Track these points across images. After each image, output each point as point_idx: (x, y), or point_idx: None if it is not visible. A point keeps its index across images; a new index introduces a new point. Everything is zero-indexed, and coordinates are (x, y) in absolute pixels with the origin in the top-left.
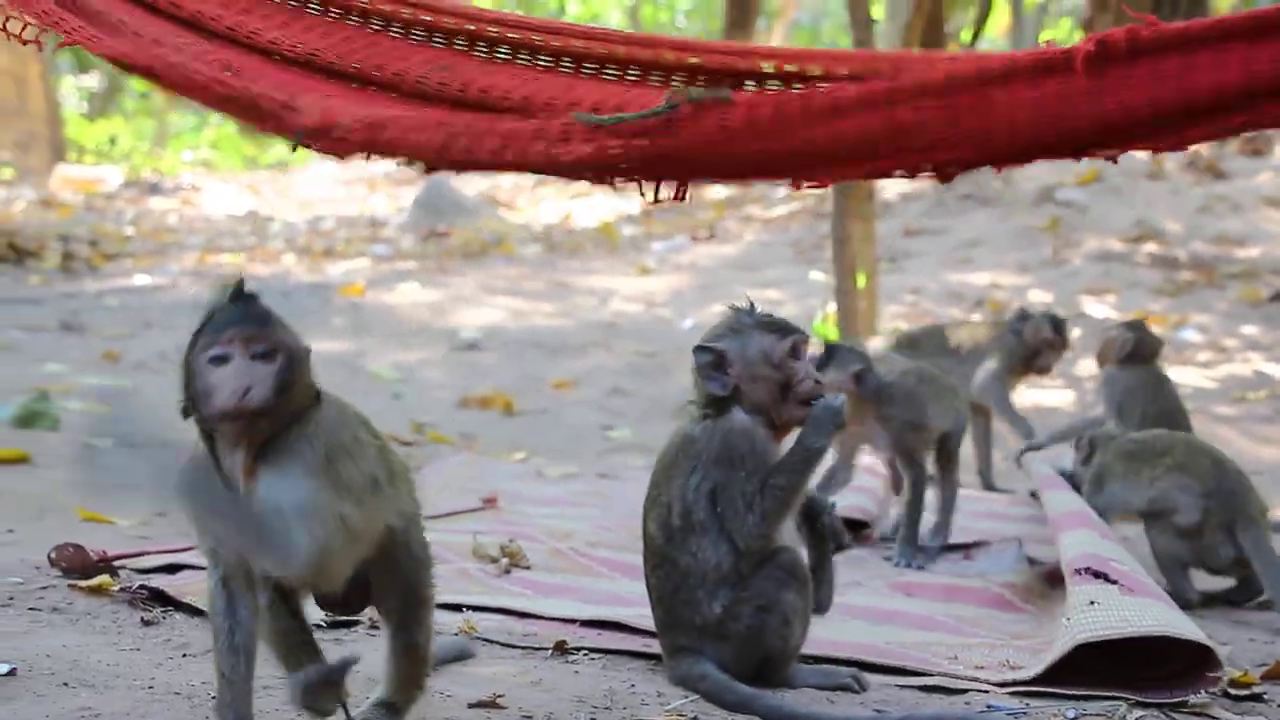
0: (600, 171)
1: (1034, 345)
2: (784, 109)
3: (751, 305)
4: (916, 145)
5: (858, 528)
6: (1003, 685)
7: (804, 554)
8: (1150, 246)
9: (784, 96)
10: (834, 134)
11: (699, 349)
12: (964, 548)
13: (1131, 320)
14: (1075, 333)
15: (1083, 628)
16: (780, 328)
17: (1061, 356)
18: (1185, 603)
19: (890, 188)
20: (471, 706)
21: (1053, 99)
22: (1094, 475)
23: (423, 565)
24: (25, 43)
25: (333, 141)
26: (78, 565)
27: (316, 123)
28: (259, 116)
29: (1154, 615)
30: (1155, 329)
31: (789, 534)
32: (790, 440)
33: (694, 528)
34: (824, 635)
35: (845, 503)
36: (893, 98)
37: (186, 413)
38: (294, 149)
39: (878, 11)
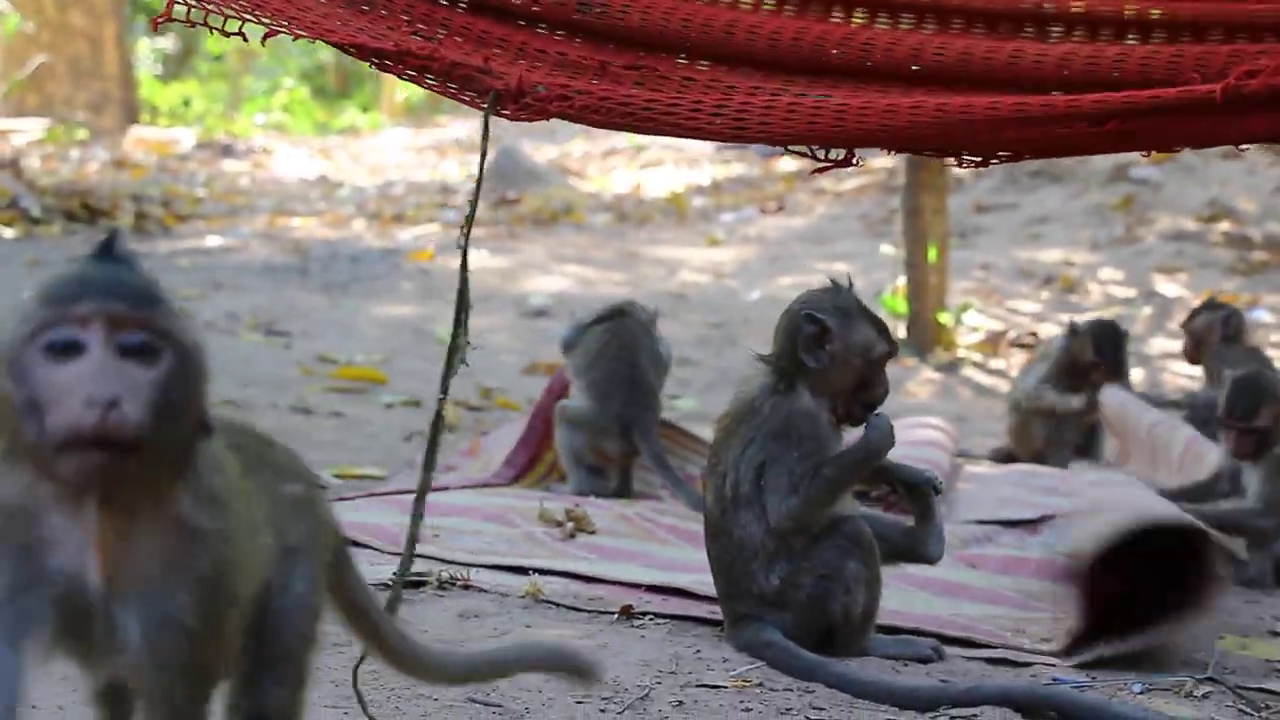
0: None
1: (1080, 363)
2: None
3: (850, 284)
4: None
5: None
6: (1069, 658)
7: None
8: (1224, 226)
9: None
10: None
11: (807, 318)
12: (1029, 523)
13: (1208, 301)
14: (1146, 311)
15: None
16: (882, 327)
17: (1116, 371)
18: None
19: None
20: None
21: None
22: None
23: (300, 613)
24: (228, 35)
25: (523, 108)
26: None
27: (512, 86)
28: (454, 81)
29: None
30: None
31: (849, 503)
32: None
33: (740, 501)
34: (889, 606)
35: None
36: None
37: None
38: (488, 114)
39: None
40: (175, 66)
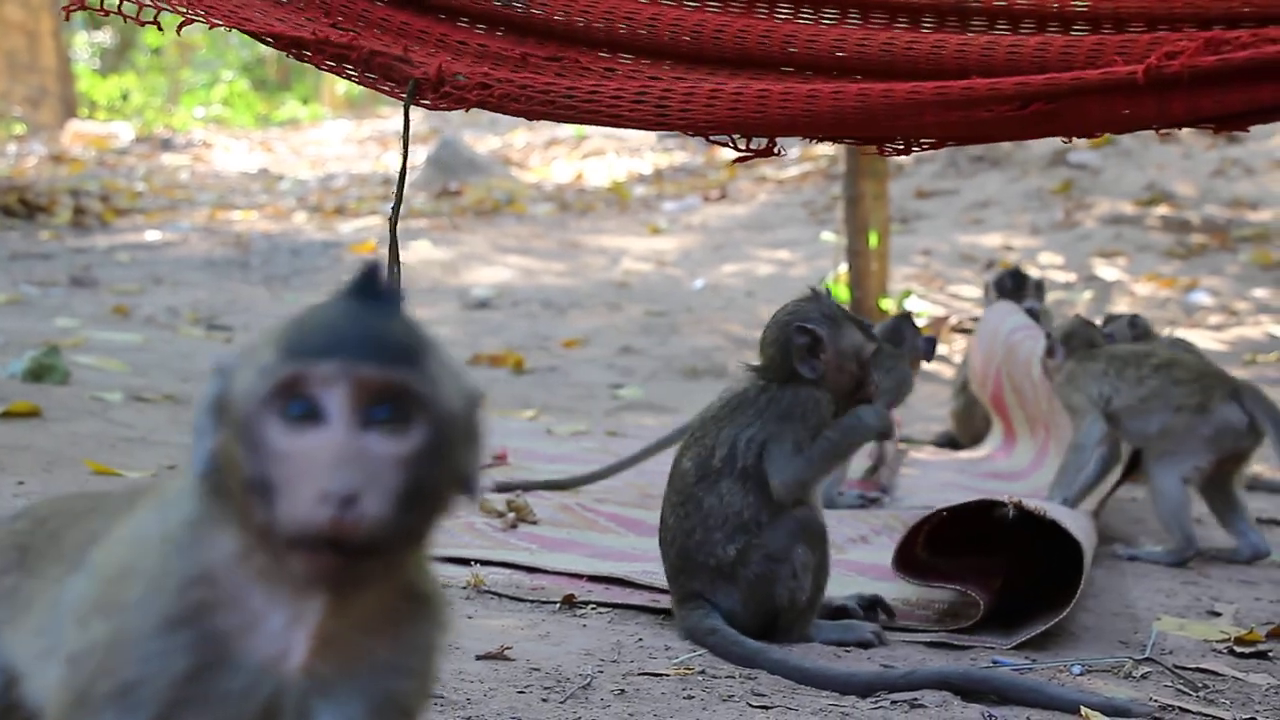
0: None
1: None
2: None
3: (829, 291)
4: None
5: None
6: (1008, 641)
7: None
8: (1162, 209)
9: None
10: None
11: (798, 329)
12: None
13: (1106, 317)
14: (1086, 295)
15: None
16: (868, 329)
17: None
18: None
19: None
20: (480, 658)
21: None
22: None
23: None
24: (143, 23)
25: (443, 96)
26: None
27: (431, 75)
28: (373, 70)
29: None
30: (1166, 292)
31: (816, 496)
32: None
33: (733, 473)
34: (829, 591)
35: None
36: None
37: (212, 481)
38: (408, 102)
39: None
40: (113, 60)
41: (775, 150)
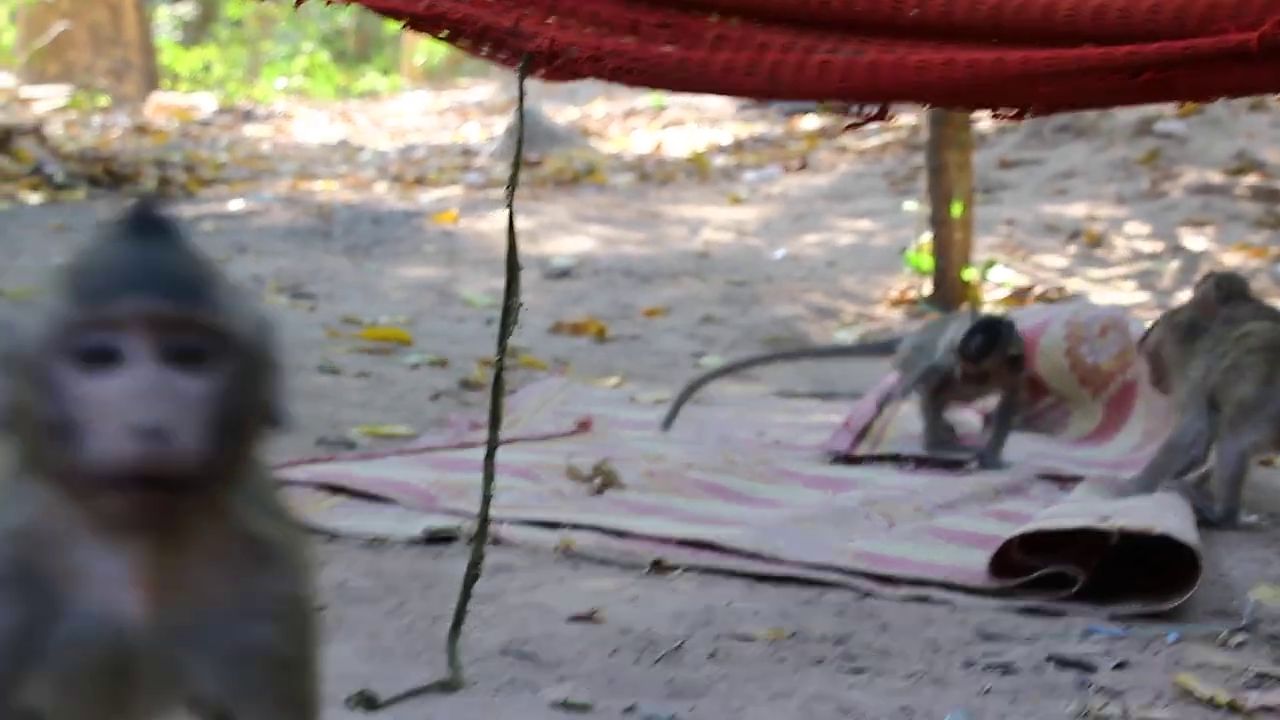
0: None
1: None
2: None
3: None
4: None
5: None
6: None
7: None
8: (1251, 178)
9: None
10: None
11: None
12: (1062, 479)
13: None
14: (1173, 265)
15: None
16: None
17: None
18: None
19: (985, 118)
20: (571, 620)
21: None
22: None
23: None
24: None
25: (556, 69)
26: None
27: (545, 48)
28: (486, 44)
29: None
30: (1255, 262)
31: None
32: None
33: None
34: (919, 557)
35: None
36: None
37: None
38: (522, 76)
39: None
40: (195, 32)
41: (889, 117)
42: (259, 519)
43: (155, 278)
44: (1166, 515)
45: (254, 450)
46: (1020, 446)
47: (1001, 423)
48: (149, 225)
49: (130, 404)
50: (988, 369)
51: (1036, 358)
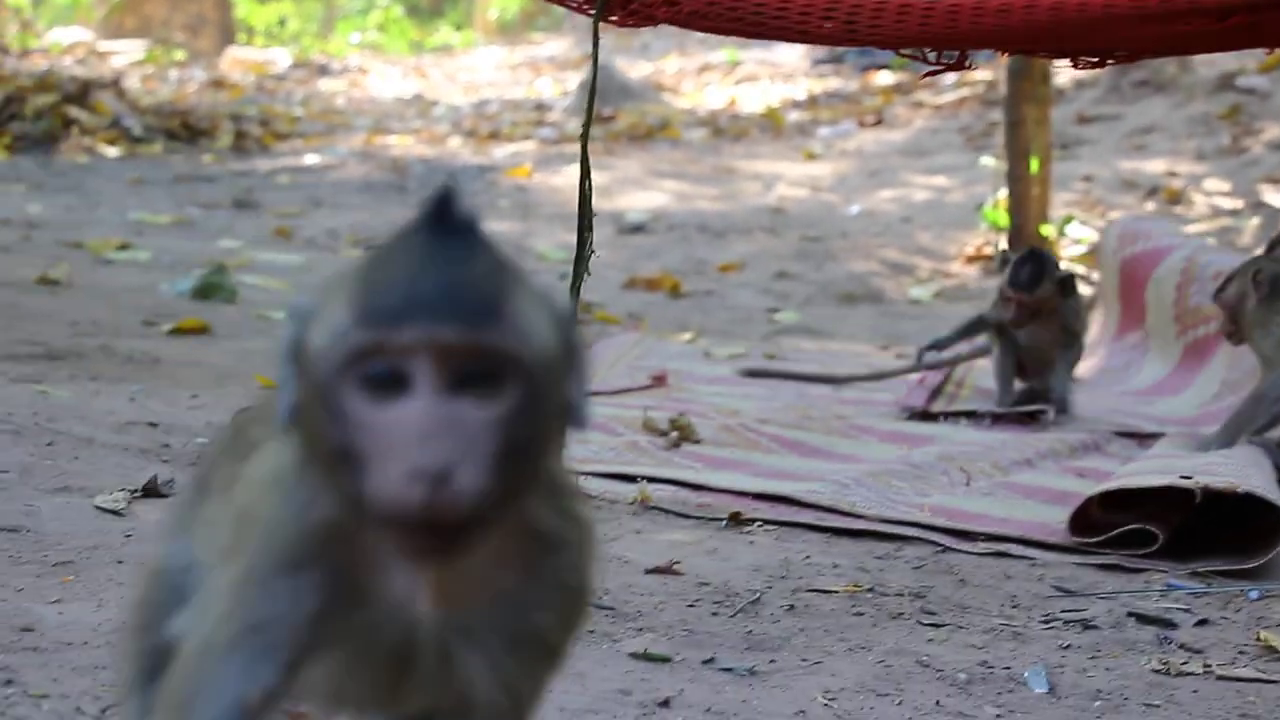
0: None
1: None
2: None
3: None
4: None
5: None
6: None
7: None
8: None
9: None
10: None
11: None
12: (1140, 436)
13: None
14: (1254, 222)
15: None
16: None
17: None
18: None
19: (1063, 73)
20: (649, 572)
21: None
22: None
23: None
24: None
25: (631, 14)
26: None
27: None
28: None
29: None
30: None
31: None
32: None
33: None
34: (997, 513)
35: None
36: None
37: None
38: (596, 19)
39: None
40: None
41: (968, 64)
42: (549, 516)
43: (449, 300)
44: (1250, 473)
45: (551, 460)
46: (1097, 402)
47: (1064, 358)
48: (447, 227)
49: (416, 442)
50: (1040, 297)
51: (1148, 284)
